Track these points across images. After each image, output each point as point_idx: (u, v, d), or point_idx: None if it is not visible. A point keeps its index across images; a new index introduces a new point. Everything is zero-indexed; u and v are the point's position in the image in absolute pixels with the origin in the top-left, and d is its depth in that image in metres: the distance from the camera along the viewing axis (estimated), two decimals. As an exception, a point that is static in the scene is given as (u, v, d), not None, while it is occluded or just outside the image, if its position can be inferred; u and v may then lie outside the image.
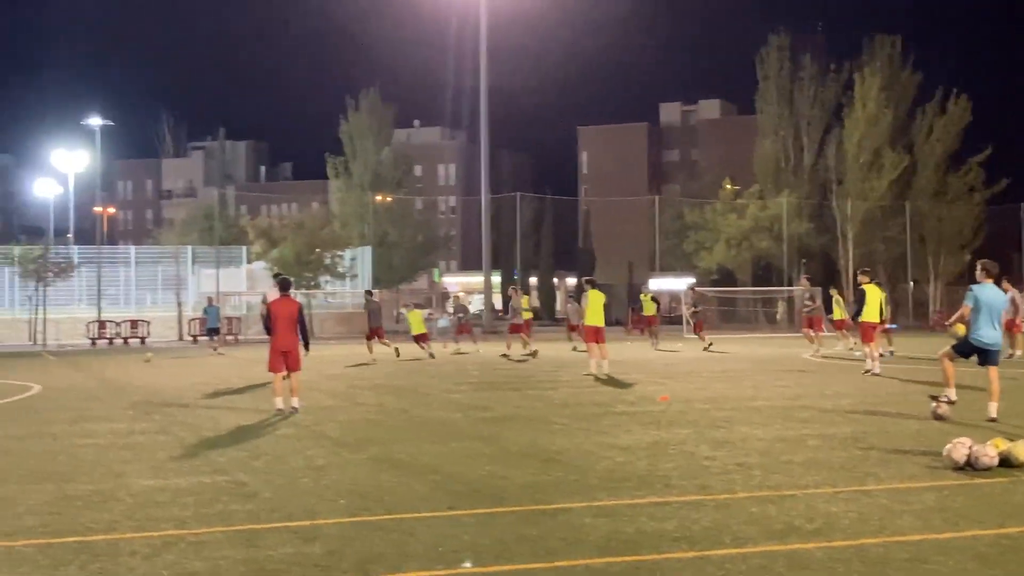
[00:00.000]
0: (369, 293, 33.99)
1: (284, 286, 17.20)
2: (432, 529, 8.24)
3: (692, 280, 67.30)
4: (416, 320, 34.37)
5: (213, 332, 38.65)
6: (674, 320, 68.98)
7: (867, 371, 22.80)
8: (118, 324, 49.83)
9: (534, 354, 32.54)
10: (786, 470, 10.73)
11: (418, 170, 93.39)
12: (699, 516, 8.59)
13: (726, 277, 71.76)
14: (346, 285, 61.84)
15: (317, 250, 57.26)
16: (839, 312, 35.18)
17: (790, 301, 65.67)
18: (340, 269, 58.96)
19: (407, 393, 20.05)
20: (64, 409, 17.72)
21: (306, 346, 16.98)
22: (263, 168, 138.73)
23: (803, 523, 8.32)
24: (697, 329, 38.46)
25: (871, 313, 23.65)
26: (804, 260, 70.76)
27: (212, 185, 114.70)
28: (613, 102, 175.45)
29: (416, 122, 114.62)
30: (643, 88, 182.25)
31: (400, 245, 71.94)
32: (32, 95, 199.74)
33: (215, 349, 37.08)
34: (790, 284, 66.27)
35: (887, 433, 13.41)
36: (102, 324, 49.76)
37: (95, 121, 59.58)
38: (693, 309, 39.77)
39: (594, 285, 25.00)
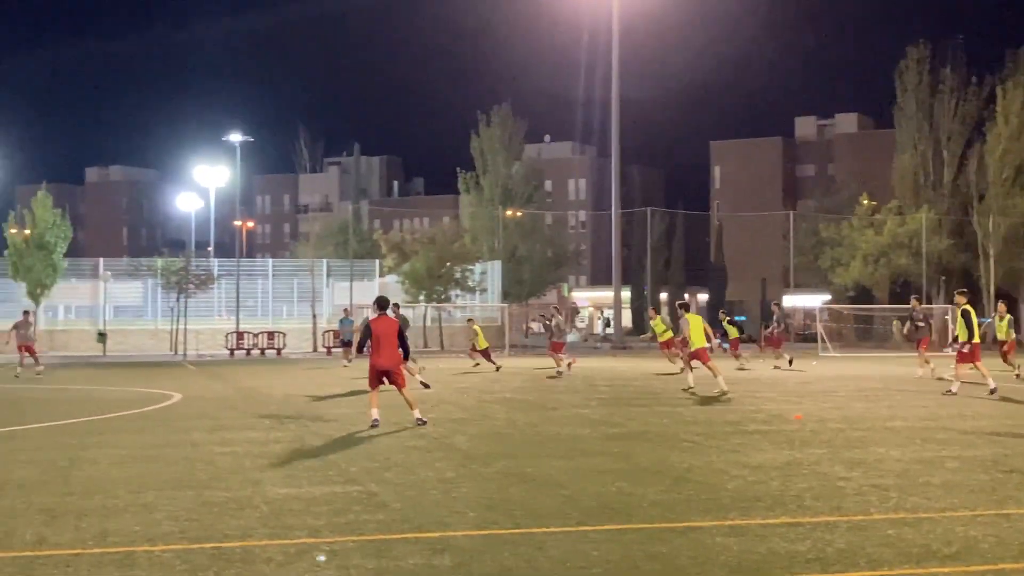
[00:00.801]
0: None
1: (382, 304, 17.16)
2: (561, 544, 8.23)
3: (826, 298, 66.05)
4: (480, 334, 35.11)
5: (347, 344, 39.22)
6: (808, 338, 67.86)
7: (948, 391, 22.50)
8: (255, 335, 50.99)
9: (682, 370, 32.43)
10: (923, 492, 10.46)
11: (548, 185, 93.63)
12: (833, 538, 8.42)
13: (862, 294, 70.29)
14: (476, 299, 62.30)
15: (448, 264, 57.83)
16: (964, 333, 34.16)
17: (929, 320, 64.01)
18: (470, 283, 59.43)
19: (536, 408, 20.08)
20: (203, 418, 18.19)
21: (406, 358, 17.24)
22: (396, 183, 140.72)
23: (940, 547, 8.10)
24: (775, 345, 36.61)
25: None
26: (943, 278, 68.98)
27: (347, 200, 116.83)
28: (747, 116, 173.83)
29: (547, 137, 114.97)
30: (778, 102, 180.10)
31: (529, 260, 72.16)
32: (176, 113, 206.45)
33: (349, 360, 37.62)
34: (929, 302, 64.64)
35: (1031, 457, 12.98)
36: (240, 335, 51.00)
37: (235, 137, 61.17)
38: (776, 326, 37.62)
39: (687, 309, 24.92)
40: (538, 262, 73.21)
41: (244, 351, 49.53)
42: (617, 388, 25.59)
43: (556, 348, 33.05)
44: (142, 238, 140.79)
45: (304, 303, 57.62)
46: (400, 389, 16.62)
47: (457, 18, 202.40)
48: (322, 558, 7.80)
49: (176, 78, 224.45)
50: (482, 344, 34.66)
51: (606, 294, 77.65)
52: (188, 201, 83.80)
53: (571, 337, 65.10)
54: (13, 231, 54.40)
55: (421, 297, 57.66)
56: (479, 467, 12.20)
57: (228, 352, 49.34)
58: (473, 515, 9.34)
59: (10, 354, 33.51)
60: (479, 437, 15.17)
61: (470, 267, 59.93)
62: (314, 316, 55.11)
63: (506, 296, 62.67)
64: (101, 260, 58.14)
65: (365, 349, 16.89)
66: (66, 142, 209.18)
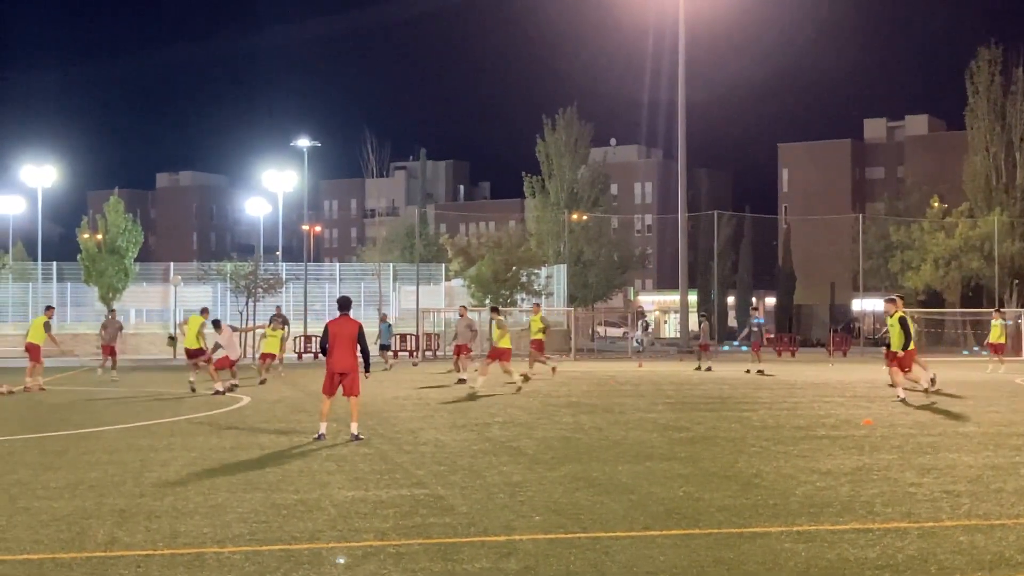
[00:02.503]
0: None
1: (343, 305, 16.05)
2: (628, 549, 8.21)
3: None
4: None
5: (385, 349, 38.98)
6: (878, 342, 67.03)
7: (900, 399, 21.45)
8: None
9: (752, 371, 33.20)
10: (996, 498, 10.30)
11: (614, 188, 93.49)
12: (904, 544, 8.32)
13: (933, 298, 69.34)
14: (542, 302, 62.30)
15: (513, 268, 57.88)
16: (997, 334, 34.88)
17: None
18: (536, 287, 59.46)
19: (602, 411, 20.03)
20: (272, 420, 18.37)
21: (366, 368, 16.36)
22: (462, 187, 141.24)
23: (1014, 554, 7.97)
24: (754, 349, 35.15)
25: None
26: (1017, 281, 67.84)
27: (413, 204, 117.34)
28: (815, 118, 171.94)
29: (613, 140, 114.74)
30: (847, 104, 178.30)
31: (595, 263, 72.02)
32: (244, 119, 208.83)
33: (389, 366, 37.47)
34: (1002, 306, 63.60)
35: (1108, 464, 12.73)
36: (308, 338, 51.39)
37: (303, 143, 61.69)
38: (750, 330, 36.59)
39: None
40: (604, 266, 73.04)
41: (312, 355, 49.91)
42: (684, 391, 25.46)
43: (538, 347, 30.74)
44: (211, 243, 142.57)
45: (371, 307, 57.98)
46: (350, 395, 15.56)
47: (523, 22, 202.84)
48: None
49: (245, 84, 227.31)
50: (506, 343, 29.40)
51: (672, 298, 77.32)
52: (256, 206, 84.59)
53: (636, 340, 64.70)
54: (86, 236, 55.30)
55: (487, 301, 57.79)
56: (545, 471, 12.20)
57: (296, 356, 49.75)
58: (539, 519, 9.34)
59: (85, 357, 33.96)
60: (545, 441, 15.17)
61: (536, 271, 59.93)
62: (392, 321, 55.40)
63: (572, 300, 62.61)
64: (171, 264, 58.95)
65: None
66: (137, 148, 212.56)
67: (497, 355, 25.71)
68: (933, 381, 23.25)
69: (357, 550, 8.18)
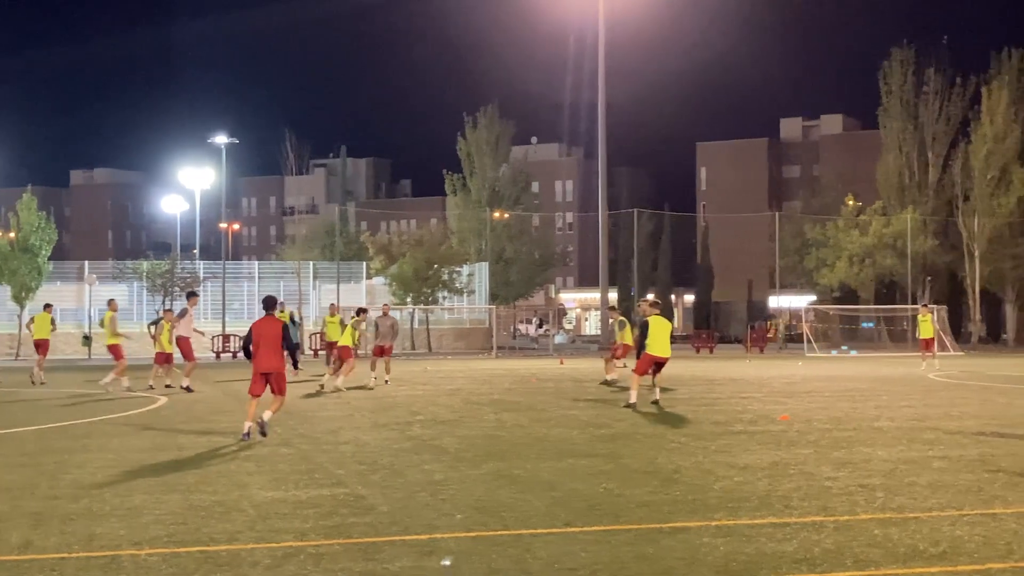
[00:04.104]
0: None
1: (268, 305, 15.93)
2: (550, 545, 8.24)
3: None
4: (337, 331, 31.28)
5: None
6: (794, 339, 68.05)
7: (627, 404, 19.92)
8: (241, 338, 50.84)
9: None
10: (910, 492, 10.50)
11: (535, 186, 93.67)
12: (820, 538, 8.45)
13: (848, 295, 70.53)
14: (463, 301, 62.29)
15: (435, 266, 57.80)
16: (926, 331, 35.43)
17: (914, 320, 64.32)
18: (458, 285, 59.43)
19: (524, 409, 20.08)
20: (191, 421, 18.14)
21: (295, 365, 16.47)
22: (383, 185, 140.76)
23: (927, 546, 8.13)
24: (616, 355, 28.59)
25: (655, 347, 20.11)
26: (929, 278, 69.23)
27: (333, 202, 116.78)
28: (733, 118, 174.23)
29: (534, 139, 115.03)
30: (763, 103, 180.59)
31: (517, 261, 72.15)
32: (161, 115, 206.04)
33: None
34: (914, 302, 64.89)
35: (1015, 455, 13.04)
36: (226, 338, 50.85)
37: (221, 139, 60.99)
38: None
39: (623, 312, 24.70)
40: (525, 264, 73.19)
41: (230, 354, 49.42)
42: (605, 389, 25.59)
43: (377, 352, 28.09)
44: (127, 241, 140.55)
45: (291, 306, 57.53)
46: (277, 394, 15.47)
47: (444, 20, 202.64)
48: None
49: (161, 80, 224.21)
50: (627, 338, 28.20)
51: (593, 295, 77.73)
52: (173, 204, 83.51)
53: (559, 338, 65.02)
54: (-2, 234, 54.18)
55: (408, 299, 57.65)
56: (467, 469, 12.20)
57: (214, 355, 49.21)
58: (461, 517, 9.34)
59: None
60: (467, 439, 15.17)
61: (457, 269, 59.90)
62: (301, 319, 55.00)
63: (493, 298, 62.67)
64: (86, 263, 57.90)
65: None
66: (51, 144, 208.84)
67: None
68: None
69: (277, 551, 8.11)
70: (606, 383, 26.52)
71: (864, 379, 29.79)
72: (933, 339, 35.61)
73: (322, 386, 25.38)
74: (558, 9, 63.50)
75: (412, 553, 8.02)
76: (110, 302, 27.73)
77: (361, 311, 28.38)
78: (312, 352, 48.93)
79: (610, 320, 30.33)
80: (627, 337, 28.27)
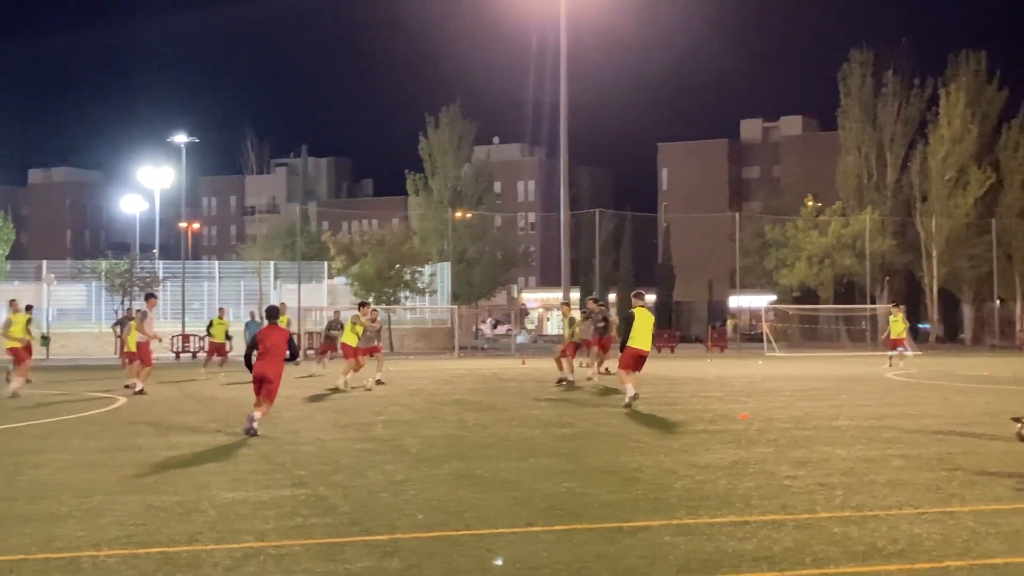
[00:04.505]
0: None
1: (271, 314, 16.68)
2: (511, 545, 8.24)
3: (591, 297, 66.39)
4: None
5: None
6: (754, 338, 68.45)
7: (627, 403, 19.68)
8: (201, 338, 50.53)
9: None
10: (869, 490, 10.58)
11: (498, 186, 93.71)
12: (780, 536, 8.50)
13: (807, 295, 71.03)
14: (425, 301, 62.20)
15: (397, 266, 57.68)
16: (897, 330, 35.64)
17: (873, 319, 64.89)
18: (420, 285, 59.33)
19: (487, 409, 20.08)
20: (149, 422, 18.01)
21: (294, 357, 16.64)
22: (345, 184, 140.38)
23: (886, 544, 8.19)
24: (567, 353, 27.98)
25: (638, 339, 19.84)
26: (887, 278, 69.82)
27: (294, 201, 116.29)
28: (694, 118, 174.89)
29: (496, 139, 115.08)
30: (724, 104, 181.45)
31: (479, 261, 72.13)
32: (120, 114, 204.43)
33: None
34: (873, 302, 65.45)
35: (973, 454, 13.17)
36: (186, 338, 50.52)
37: (181, 138, 60.59)
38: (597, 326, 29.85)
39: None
40: (488, 264, 73.19)
41: (190, 354, 49.12)
42: (566, 388, 25.62)
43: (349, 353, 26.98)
44: (86, 240, 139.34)
45: (251, 306, 57.24)
46: (265, 400, 15.79)
47: (406, 20, 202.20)
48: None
49: (121, 79, 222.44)
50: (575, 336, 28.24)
51: (555, 295, 77.80)
52: (132, 203, 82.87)
53: (521, 338, 65.03)
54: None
55: (370, 299, 57.47)
56: (429, 469, 12.18)
57: (174, 355, 48.89)
58: (423, 517, 9.33)
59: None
60: (429, 439, 15.15)
61: (419, 269, 59.80)
62: (262, 318, 54.70)
63: (456, 298, 62.63)
64: (44, 262, 57.33)
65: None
66: (9, 143, 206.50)
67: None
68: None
69: (237, 552, 8.07)
70: (561, 382, 26.56)
71: (823, 378, 30.00)
72: (903, 339, 35.79)
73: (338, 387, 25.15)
74: (520, 9, 63.53)
75: (374, 554, 8.00)
76: (11, 302, 26.35)
77: (363, 305, 27.86)
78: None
79: (561, 317, 30.17)
80: (575, 335, 28.43)
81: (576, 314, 29.22)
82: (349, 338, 26.05)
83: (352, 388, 24.86)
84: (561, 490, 10.66)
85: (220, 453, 13.69)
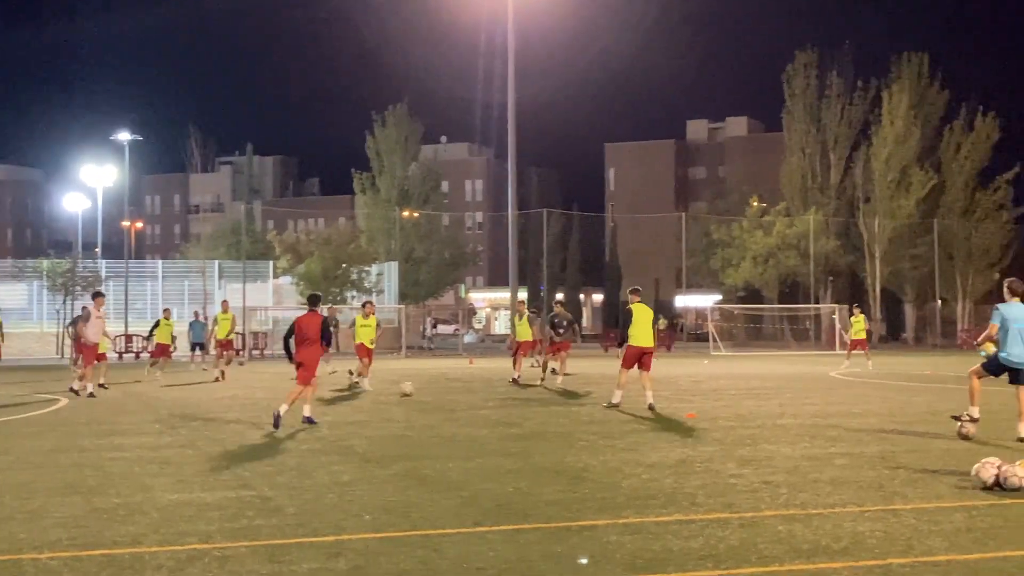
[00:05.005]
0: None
1: (312, 301, 17.77)
2: (458, 545, 8.23)
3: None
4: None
5: (197, 346, 37.77)
6: (700, 337, 68.86)
7: (610, 404, 19.46)
8: (145, 338, 50.02)
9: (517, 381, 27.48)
10: (813, 488, 10.67)
11: (445, 186, 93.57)
12: (725, 534, 8.55)
13: (752, 294, 71.60)
14: (372, 300, 61.96)
15: (344, 265, 57.45)
16: (857, 332, 35.89)
17: (817, 319, 65.51)
18: (367, 284, 59.11)
19: (434, 409, 20.05)
20: (92, 422, 17.81)
21: (328, 343, 17.43)
22: (291, 183, 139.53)
23: (830, 542, 8.27)
24: (523, 351, 28.40)
25: (638, 337, 19.46)
26: (831, 278, 70.51)
27: (239, 200, 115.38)
28: (641, 119, 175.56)
29: (443, 138, 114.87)
30: (671, 105, 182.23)
31: (427, 261, 72.04)
32: (62, 111, 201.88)
33: (197, 364, 35.90)
34: (817, 302, 66.07)
35: (915, 452, 13.33)
36: (129, 338, 49.98)
37: (124, 136, 59.88)
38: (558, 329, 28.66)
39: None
40: (435, 263, 73.11)
41: (133, 354, 48.61)
42: (514, 388, 25.65)
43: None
44: (27, 239, 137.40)
45: (195, 305, 56.75)
46: (303, 384, 16.75)
47: (353, 18, 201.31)
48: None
49: (63, 76, 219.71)
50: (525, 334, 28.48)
51: (503, 295, 77.79)
52: (75, 201, 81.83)
53: (468, 338, 64.96)
54: None
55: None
56: (376, 469, 12.14)
57: (117, 356, 48.35)
58: (369, 518, 9.29)
59: None
60: (376, 439, 15.10)
61: (366, 268, 59.59)
62: (205, 319, 54.27)
63: (403, 298, 62.46)
64: (-16, 262, 56.54)
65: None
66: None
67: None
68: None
69: (180, 553, 7.99)
70: (514, 381, 26.61)
71: (768, 377, 30.24)
72: (865, 340, 36.10)
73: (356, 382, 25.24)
74: (468, 8, 63.50)
75: (319, 555, 7.96)
76: None
77: (368, 303, 27.43)
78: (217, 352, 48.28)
79: (515, 316, 29.95)
80: (524, 333, 28.48)
81: (528, 313, 29.28)
82: (362, 337, 25.66)
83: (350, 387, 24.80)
84: (509, 490, 10.66)
85: (163, 454, 13.56)
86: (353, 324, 27.25)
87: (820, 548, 8.08)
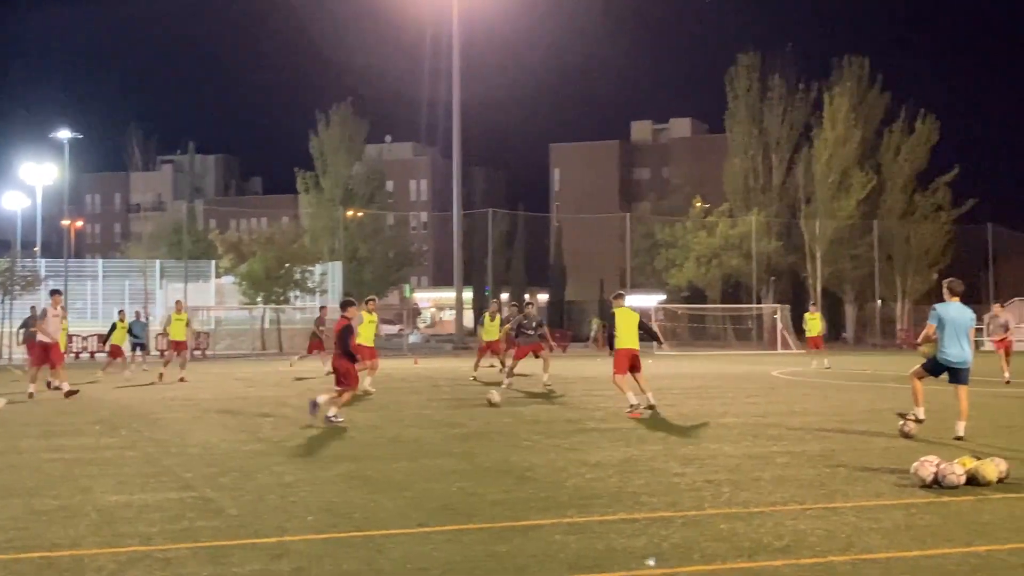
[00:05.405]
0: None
1: (341, 305, 17.98)
2: (402, 546, 8.20)
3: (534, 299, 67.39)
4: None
5: (138, 347, 37.31)
6: (643, 337, 69.09)
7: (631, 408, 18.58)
8: (85, 338, 49.44)
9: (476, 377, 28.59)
10: (755, 487, 10.75)
11: (390, 185, 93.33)
12: (668, 533, 8.59)
13: (696, 294, 72.04)
14: (316, 300, 61.66)
15: (287, 265, 57.08)
16: (814, 329, 36.09)
17: (759, 319, 66.07)
18: (310, 284, 58.78)
19: (379, 409, 19.97)
20: (31, 423, 17.56)
21: (354, 361, 17.55)
22: (233, 182, 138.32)
23: (771, 540, 8.33)
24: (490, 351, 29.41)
25: (625, 339, 19.00)
26: (773, 278, 71.11)
27: (181, 199, 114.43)
28: (585, 120, 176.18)
29: (388, 137, 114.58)
30: (615, 106, 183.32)
31: (371, 260, 71.81)
32: (0, 108, 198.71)
33: (137, 365, 35.29)
34: (759, 302, 66.64)
35: (856, 451, 13.47)
36: (69, 338, 49.28)
37: (64, 134, 59.14)
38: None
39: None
40: (380, 263, 72.91)
41: (74, 354, 47.99)
42: (459, 388, 25.63)
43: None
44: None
45: (136, 305, 56.15)
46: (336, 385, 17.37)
47: (297, 16, 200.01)
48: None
49: (0, 72, 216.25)
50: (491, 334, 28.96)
51: (448, 295, 77.73)
52: (13, 199, 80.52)
53: (413, 338, 64.78)
54: None
55: (259, 299, 56.79)
56: (319, 471, 12.07)
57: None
58: (312, 519, 9.24)
59: None
60: (319, 440, 15.01)
61: (310, 268, 59.25)
62: (147, 318, 53.72)
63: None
64: (-80, 261, 55.49)
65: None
66: None
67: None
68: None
69: (121, 556, 7.90)
70: (475, 379, 26.91)
71: (711, 376, 30.45)
72: (821, 337, 36.28)
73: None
74: (414, 8, 63.41)
75: (262, 557, 7.90)
76: None
77: (370, 301, 26.47)
78: (159, 352, 47.81)
79: (485, 316, 29.81)
80: (493, 333, 28.53)
81: (495, 315, 29.35)
82: (366, 338, 25.11)
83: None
84: (453, 490, 10.65)
85: (104, 456, 13.40)
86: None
87: (762, 546, 8.14)
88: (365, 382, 24.34)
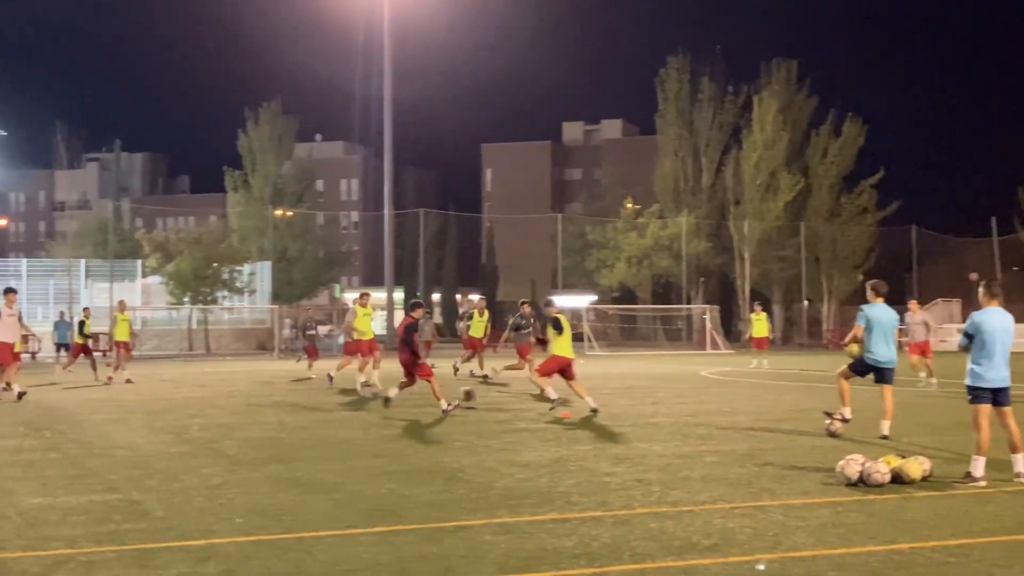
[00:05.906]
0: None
1: (411, 307, 18.78)
2: (331, 548, 8.15)
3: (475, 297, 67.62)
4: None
5: (62, 347, 36.79)
6: (575, 337, 69.39)
7: (552, 406, 18.96)
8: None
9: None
10: (684, 486, 10.83)
11: (320, 185, 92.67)
12: (599, 532, 8.62)
13: (627, 295, 72.41)
14: (244, 300, 61.12)
15: (215, 264, 56.48)
16: (760, 330, 36.37)
17: (689, 319, 66.59)
18: (238, 284, 58.24)
19: (307, 410, 19.84)
20: (-50, 426, 17.21)
21: (418, 357, 18.44)
22: (160, 180, 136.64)
23: (700, 539, 8.39)
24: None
25: (564, 348, 18.96)
26: (702, 279, 71.70)
27: (107, 197, 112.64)
28: (517, 120, 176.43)
29: (318, 136, 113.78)
30: (547, 107, 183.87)
31: (301, 260, 71.28)
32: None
33: (64, 367, 34.79)
34: (689, 302, 67.15)
35: (783, 450, 13.61)
36: (24, 339, 48.41)
37: (-14, 131, 58.08)
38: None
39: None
40: (310, 263, 72.38)
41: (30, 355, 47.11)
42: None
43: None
44: None
45: (61, 305, 55.26)
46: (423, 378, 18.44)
47: (226, 13, 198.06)
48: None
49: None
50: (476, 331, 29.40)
51: (378, 295, 77.41)
52: (-65, 197, 79.20)
53: (344, 338, 64.27)
54: None
55: (186, 299, 56.14)
56: (247, 472, 11.96)
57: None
58: (240, 521, 9.15)
59: None
60: (247, 441, 14.88)
61: (238, 268, 58.68)
62: (71, 319, 52.88)
63: (276, 298, 61.69)
64: None
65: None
66: None
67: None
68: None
69: (46, 559, 7.77)
70: (484, 378, 27.30)
71: (641, 376, 30.62)
72: (767, 338, 36.60)
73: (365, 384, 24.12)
74: (345, 7, 63.07)
75: (188, 559, 7.81)
76: None
77: (364, 295, 25.81)
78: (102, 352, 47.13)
79: (466, 313, 29.88)
80: (479, 330, 29.27)
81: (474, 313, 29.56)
82: (365, 331, 24.65)
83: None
84: (383, 491, 10.60)
85: (27, 458, 13.16)
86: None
87: (691, 545, 8.20)
88: (373, 376, 24.23)
